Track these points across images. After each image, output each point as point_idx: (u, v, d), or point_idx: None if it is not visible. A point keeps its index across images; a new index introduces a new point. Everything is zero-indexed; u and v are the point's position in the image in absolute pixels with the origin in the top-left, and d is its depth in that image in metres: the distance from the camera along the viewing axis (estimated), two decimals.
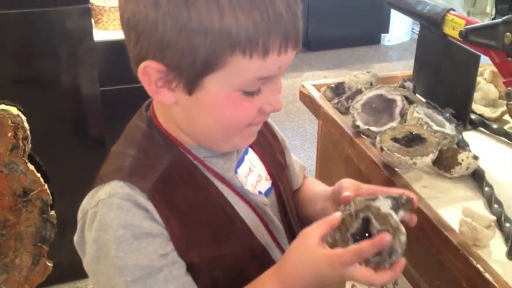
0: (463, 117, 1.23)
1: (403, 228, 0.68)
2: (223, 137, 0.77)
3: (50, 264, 1.62)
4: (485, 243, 0.88)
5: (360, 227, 0.71)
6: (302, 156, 3.19)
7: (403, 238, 0.67)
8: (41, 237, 1.55)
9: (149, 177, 0.74)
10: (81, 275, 0.74)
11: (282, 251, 0.86)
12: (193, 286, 0.75)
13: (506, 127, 1.25)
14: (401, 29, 5.03)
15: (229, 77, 0.69)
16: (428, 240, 0.93)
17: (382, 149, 1.04)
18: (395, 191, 0.75)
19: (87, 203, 0.75)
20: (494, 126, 1.24)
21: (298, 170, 1.01)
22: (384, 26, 4.91)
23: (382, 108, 1.21)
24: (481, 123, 1.26)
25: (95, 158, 0.81)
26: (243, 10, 0.65)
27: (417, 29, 1.42)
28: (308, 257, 0.71)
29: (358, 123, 1.18)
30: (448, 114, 1.21)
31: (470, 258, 0.83)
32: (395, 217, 0.69)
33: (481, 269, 0.81)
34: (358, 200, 0.72)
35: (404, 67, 4.40)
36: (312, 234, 0.72)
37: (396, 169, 1.06)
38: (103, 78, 1.94)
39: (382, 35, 5.03)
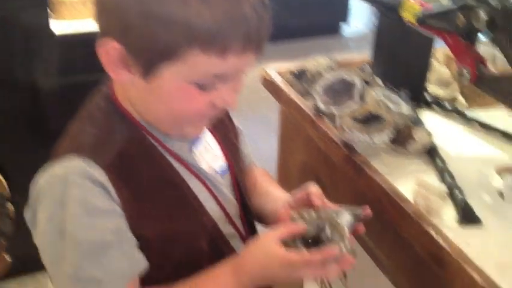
0: (418, 97, 1.28)
1: (349, 235, 0.77)
2: (174, 125, 0.78)
3: (8, 258, 1.60)
4: (438, 212, 0.93)
5: (313, 230, 0.77)
6: (266, 146, 3.22)
7: (347, 243, 0.76)
8: None
9: (106, 153, 0.75)
10: (42, 267, 0.75)
11: (234, 226, 0.88)
12: (144, 262, 0.76)
13: (458, 106, 1.31)
14: (361, 20, 5.12)
15: (184, 69, 0.70)
16: (385, 212, 0.97)
17: (342, 128, 1.08)
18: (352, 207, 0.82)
19: (41, 177, 0.75)
20: (448, 105, 1.30)
21: (248, 151, 1.04)
22: (342, 14, 4.93)
23: (342, 90, 1.25)
24: (435, 103, 1.32)
25: None
26: (207, 6, 0.66)
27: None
28: (262, 255, 0.75)
29: (320, 105, 1.22)
30: (404, 95, 1.26)
31: (424, 225, 0.88)
32: (346, 228, 0.78)
33: (434, 234, 0.86)
34: (323, 212, 0.80)
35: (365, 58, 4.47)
36: (272, 236, 0.76)
37: (355, 147, 1.11)
38: (63, 71, 1.89)
39: (342, 25, 5.08)
